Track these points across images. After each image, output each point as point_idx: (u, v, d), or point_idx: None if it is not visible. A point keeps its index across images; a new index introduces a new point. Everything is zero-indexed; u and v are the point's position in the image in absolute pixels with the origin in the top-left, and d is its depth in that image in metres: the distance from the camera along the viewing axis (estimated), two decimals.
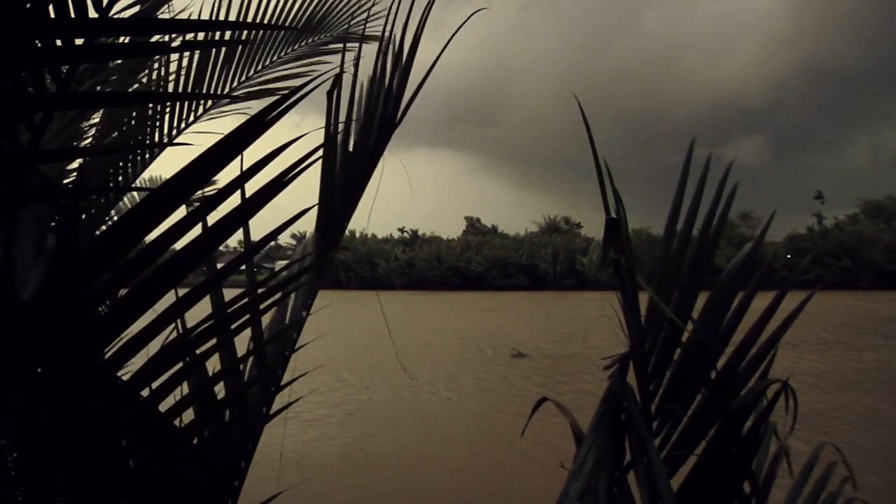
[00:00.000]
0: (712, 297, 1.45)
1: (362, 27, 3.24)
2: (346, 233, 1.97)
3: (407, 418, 12.67)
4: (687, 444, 1.43)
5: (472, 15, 1.63)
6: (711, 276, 1.48)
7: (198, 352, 1.17)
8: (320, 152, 1.45)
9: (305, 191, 1.67)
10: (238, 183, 0.96)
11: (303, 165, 1.01)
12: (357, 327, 27.29)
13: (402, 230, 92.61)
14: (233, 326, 1.24)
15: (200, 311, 1.17)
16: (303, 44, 3.50)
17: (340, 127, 1.68)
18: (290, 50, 3.47)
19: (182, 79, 3.07)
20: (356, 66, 1.65)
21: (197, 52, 3.04)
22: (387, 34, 1.67)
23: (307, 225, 1.76)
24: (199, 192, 1.17)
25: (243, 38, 3.05)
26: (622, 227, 1.16)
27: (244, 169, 0.94)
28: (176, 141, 3.13)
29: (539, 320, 34.63)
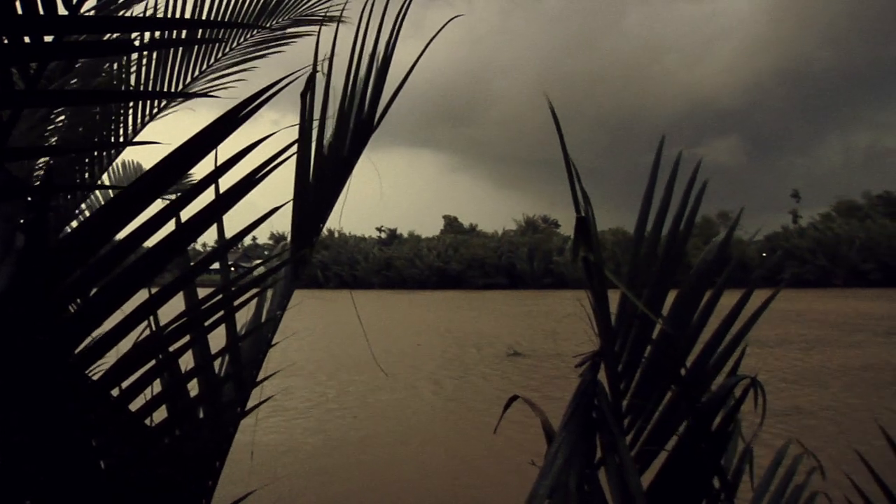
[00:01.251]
0: (682, 294, 1.46)
1: (324, 11, 3.22)
2: (325, 231, 1.97)
3: (392, 419, 12.61)
4: (657, 441, 1.45)
5: (449, 21, 1.64)
6: (684, 273, 1.50)
7: (170, 349, 1.17)
8: (293, 149, 1.45)
9: (287, 191, 1.67)
10: (211, 179, 0.95)
11: (275, 163, 1.02)
12: (345, 326, 27.12)
13: (379, 229, 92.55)
14: (206, 324, 1.23)
15: (176, 309, 1.17)
16: (258, 32, 3.46)
17: (315, 124, 1.67)
18: (248, 36, 3.44)
19: (143, 73, 3.03)
20: (330, 65, 1.65)
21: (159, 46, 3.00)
22: (360, 36, 1.67)
23: (286, 225, 1.75)
24: (173, 187, 1.17)
25: (216, 34, 3.02)
26: (591, 225, 1.17)
27: (218, 166, 0.94)
28: (142, 137, 3.10)
29: (526, 318, 34.66)
